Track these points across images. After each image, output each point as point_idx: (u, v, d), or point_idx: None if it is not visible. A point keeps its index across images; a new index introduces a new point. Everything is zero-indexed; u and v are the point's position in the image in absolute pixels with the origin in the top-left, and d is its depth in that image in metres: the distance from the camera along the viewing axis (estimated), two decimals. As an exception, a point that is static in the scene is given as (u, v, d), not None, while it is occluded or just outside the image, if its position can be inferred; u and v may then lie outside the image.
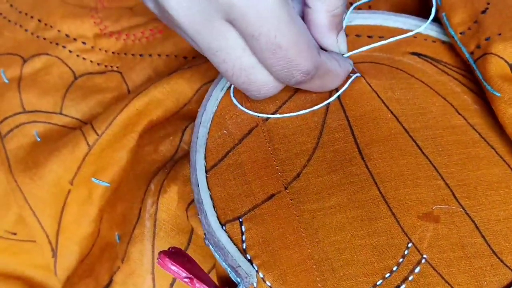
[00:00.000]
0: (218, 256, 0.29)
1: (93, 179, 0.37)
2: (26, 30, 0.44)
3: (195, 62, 0.39)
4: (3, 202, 0.39)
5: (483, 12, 0.34)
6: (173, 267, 0.27)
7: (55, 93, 0.40)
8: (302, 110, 0.33)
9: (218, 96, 0.34)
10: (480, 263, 0.28)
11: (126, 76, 0.41)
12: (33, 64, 0.42)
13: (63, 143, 0.38)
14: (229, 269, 0.28)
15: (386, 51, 0.35)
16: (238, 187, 0.31)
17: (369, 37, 0.37)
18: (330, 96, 0.33)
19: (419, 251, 0.28)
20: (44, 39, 0.43)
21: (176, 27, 0.28)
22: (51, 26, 0.43)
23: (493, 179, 0.30)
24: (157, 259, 0.28)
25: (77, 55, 0.42)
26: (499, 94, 0.31)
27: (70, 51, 0.42)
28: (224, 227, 0.29)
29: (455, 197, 0.30)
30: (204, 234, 0.30)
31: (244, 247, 0.29)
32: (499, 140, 0.32)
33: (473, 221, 0.29)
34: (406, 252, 0.28)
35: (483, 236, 0.29)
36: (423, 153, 0.31)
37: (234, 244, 0.29)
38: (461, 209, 0.29)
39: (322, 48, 0.32)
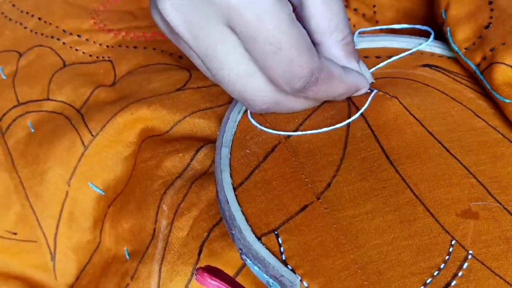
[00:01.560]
0: (257, 269, 0.28)
1: (89, 183, 0.36)
2: (25, 28, 0.44)
3: (198, 83, 0.39)
4: (4, 202, 0.38)
5: (487, 27, 0.35)
6: (213, 282, 0.26)
7: (43, 80, 0.40)
8: (323, 126, 0.32)
9: (236, 118, 0.34)
10: None
11: (116, 64, 0.41)
12: (27, 57, 0.42)
13: (58, 139, 0.37)
14: (271, 280, 0.27)
15: (398, 67, 0.36)
16: (269, 202, 0.30)
17: (377, 57, 0.37)
18: (349, 111, 0.33)
19: (463, 247, 0.27)
20: (42, 34, 0.43)
21: (178, 38, 0.28)
22: (50, 23, 0.43)
23: None
24: (195, 275, 0.26)
25: (70, 47, 0.42)
26: (508, 101, 0.32)
27: (64, 43, 0.42)
28: (260, 241, 0.28)
29: (490, 193, 0.29)
30: (240, 249, 0.29)
31: (283, 258, 0.28)
32: None
33: (510, 213, 0.28)
34: (450, 249, 0.27)
35: None
36: (451, 154, 0.31)
37: (274, 255, 0.28)
38: (498, 204, 0.29)
39: None
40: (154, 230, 0.33)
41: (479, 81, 0.34)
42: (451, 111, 0.33)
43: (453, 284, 0.26)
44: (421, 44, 0.37)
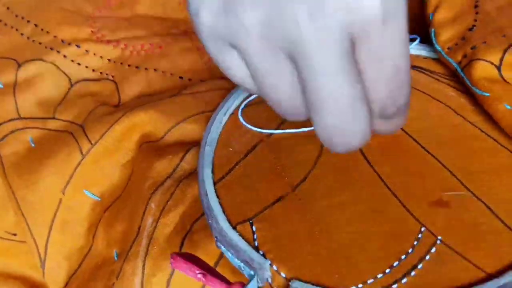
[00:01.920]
0: (230, 255, 0.29)
1: (84, 190, 0.36)
2: (22, 34, 0.44)
3: (193, 89, 0.40)
4: (4, 202, 0.38)
5: (470, 29, 0.36)
6: (187, 265, 0.27)
7: (51, 100, 0.40)
8: (301, 126, 0.34)
9: (222, 119, 0.35)
10: (497, 239, 0.27)
11: (120, 86, 0.42)
12: (27, 70, 0.42)
13: (57, 149, 0.38)
14: (242, 264, 0.28)
15: None
16: (247, 195, 0.31)
17: None
18: None
19: (433, 234, 0.28)
20: (40, 43, 0.43)
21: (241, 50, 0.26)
22: (47, 32, 0.43)
23: (497, 166, 0.31)
24: (170, 259, 0.28)
25: (72, 60, 0.42)
26: (488, 94, 0.33)
27: (64, 56, 0.42)
28: (234, 229, 0.29)
29: (462, 183, 0.30)
30: (216, 237, 0.30)
31: (256, 244, 0.29)
32: (499, 134, 0.32)
33: (483, 203, 0.29)
34: (420, 236, 0.28)
35: (496, 215, 0.28)
36: (426, 150, 0.31)
37: (246, 241, 0.29)
38: (469, 193, 0.29)
39: None
40: (139, 228, 0.34)
41: (460, 78, 0.35)
42: (430, 110, 0.34)
43: (419, 267, 0.27)
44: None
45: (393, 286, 0.26)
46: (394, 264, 0.27)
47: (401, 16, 0.24)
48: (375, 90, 0.25)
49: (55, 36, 0.44)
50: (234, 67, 0.27)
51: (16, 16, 0.45)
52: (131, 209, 0.35)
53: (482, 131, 0.33)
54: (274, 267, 0.27)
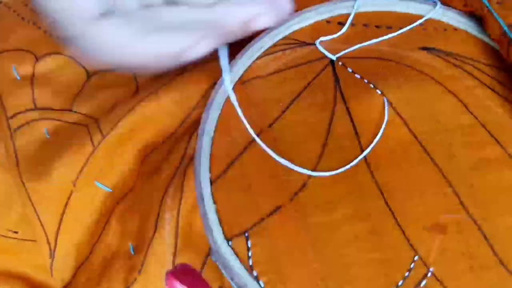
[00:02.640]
0: (225, 274, 0.29)
1: (96, 182, 0.37)
2: (39, 28, 0.43)
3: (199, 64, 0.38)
4: (6, 201, 0.39)
5: None
6: (181, 287, 0.28)
7: (68, 92, 0.40)
8: (307, 114, 0.32)
9: (222, 100, 0.33)
10: (488, 275, 0.28)
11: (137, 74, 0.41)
12: (46, 63, 0.42)
13: (70, 141, 0.38)
14: (236, 287, 0.29)
15: (394, 45, 0.34)
16: (244, 199, 0.31)
17: (376, 27, 0.35)
18: (335, 102, 0.32)
19: (425, 265, 0.28)
20: (58, 37, 0.42)
21: None
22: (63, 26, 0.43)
23: (502, 183, 0.30)
24: (165, 279, 0.28)
25: None
26: None
27: None
28: (230, 243, 0.30)
29: (463, 205, 0.29)
30: (210, 250, 0.30)
31: (250, 263, 0.29)
32: (510, 139, 0.31)
33: (481, 230, 0.29)
34: (412, 265, 0.28)
35: (490, 246, 0.28)
36: (432, 159, 0.30)
37: (240, 261, 0.29)
38: (469, 218, 0.29)
39: None
40: (157, 222, 0.34)
41: (503, 51, 0.32)
42: (442, 106, 0.32)
43: None
44: (430, 11, 0.35)
45: None
46: None
47: None
48: None
49: None
50: None
51: (34, 11, 0.44)
52: (147, 202, 0.35)
53: (492, 136, 0.31)
54: (267, 292, 0.28)
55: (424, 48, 0.34)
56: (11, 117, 0.40)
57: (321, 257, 0.29)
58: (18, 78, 0.41)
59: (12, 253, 0.40)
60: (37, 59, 0.42)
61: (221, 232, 0.30)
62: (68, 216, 0.37)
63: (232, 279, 0.29)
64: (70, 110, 0.40)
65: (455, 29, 0.35)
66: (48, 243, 0.37)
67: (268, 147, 0.31)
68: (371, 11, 0.36)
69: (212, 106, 0.33)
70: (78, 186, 0.37)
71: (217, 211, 0.30)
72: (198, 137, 0.33)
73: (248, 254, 0.29)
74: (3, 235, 0.39)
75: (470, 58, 0.34)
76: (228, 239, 0.30)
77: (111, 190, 0.37)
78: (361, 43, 0.34)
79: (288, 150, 0.31)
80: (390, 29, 0.35)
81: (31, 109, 0.40)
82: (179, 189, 0.33)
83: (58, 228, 0.37)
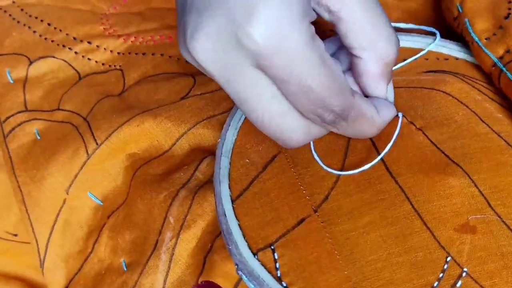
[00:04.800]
0: (252, 286, 0.28)
1: (88, 193, 0.36)
2: (34, 32, 0.44)
3: (202, 89, 0.39)
4: (5, 203, 0.38)
5: (506, 17, 0.34)
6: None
7: (57, 94, 0.40)
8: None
9: (237, 125, 0.34)
10: None
11: (126, 73, 0.41)
12: (39, 67, 0.42)
13: (63, 145, 0.37)
14: (266, 298, 0.28)
15: (401, 74, 0.35)
16: (267, 215, 0.30)
17: None
18: None
19: (458, 265, 0.27)
20: (52, 41, 0.43)
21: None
22: (60, 30, 0.43)
23: None
24: (191, 293, 0.27)
25: (83, 56, 0.42)
26: None
27: (76, 53, 0.42)
28: (256, 256, 0.29)
29: (489, 205, 0.29)
30: (236, 264, 0.29)
31: (278, 274, 0.28)
32: None
33: (509, 229, 0.28)
34: (445, 266, 0.27)
35: None
36: (453, 161, 0.30)
37: (269, 272, 0.28)
38: (497, 218, 0.29)
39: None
40: (157, 242, 0.33)
41: (494, 79, 0.33)
42: (455, 116, 0.32)
43: None
44: (430, 44, 0.36)
45: None
46: None
47: (296, 42, 0.25)
48: (297, 103, 0.27)
49: (67, 34, 0.43)
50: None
51: (30, 16, 0.44)
52: (144, 217, 0.34)
53: (508, 144, 0.31)
54: (298, 302, 0.27)
55: (429, 71, 0.35)
56: (4, 121, 0.40)
57: (350, 263, 0.28)
58: (11, 81, 0.41)
59: (11, 255, 0.39)
60: (30, 62, 0.42)
61: (247, 246, 0.29)
62: (59, 227, 0.36)
63: None
64: (58, 109, 0.40)
65: (456, 58, 0.36)
66: (39, 252, 0.36)
67: (287, 164, 0.31)
68: None
69: (228, 131, 0.34)
70: (71, 195, 0.36)
71: (240, 227, 0.30)
72: (216, 159, 0.33)
73: (275, 265, 0.28)
74: (2, 238, 0.38)
75: (475, 78, 0.35)
76: (254, 253, 0.29)
77: (101, 203, 0.36)
78: None
79: (308, 166, 0.31)
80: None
81: (22, 111, 0.40)
82: (185, 211, 0.33)
83: (48, 238, 0.36)
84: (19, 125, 0.39)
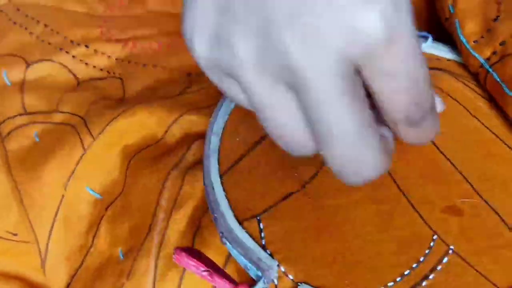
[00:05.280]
0: (236, 253, 0.28)
1: (86, 187, 0.36)
2: (31, 33, 0.43)
3: (198, 85, 0.39)
4: (5, 202, 0.37)
5: (495, 20, 0.35)
6: (190, 262, 0.26)
7: (56, 97, 0.40)
8: None
9: (228, 108, 0.34)
10: (509, 254, 0.27)
11: (126, 83, 0.41)
12: (36, 70, 0.42)
13: (61, 143, 0.37)
14: (249, 264, 0.27)
15: None
16: (254, 188, 0.30)
17: None
18: None
19: (445, 242, 0.27)
20: (49, 43, 0.43)
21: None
22: (57, 32, 0.43)
23: (511, 176, 0.30)
24: (174, 255, 0.27)
25: (80, 60, 0.42)
26: None
27: (73, 56, 0.42)
28: (241, 225, 0.28)
29: (475, 190, 0.29)
30: (221, 233, 0.29)
31: (263, 243, 0.28)
32: None
33: (497, 214, 0.28)
34: (432, 244, 0.27)
35: (509, 228, 0.28)
36: (440, 151, 0.31)
37: (254, 240, 0.28)
38: (484, 202, 0.29)
39: None
40: (151, 225, 0.33)
41: (481, 79, 0.34)
42: (446, 109, 0.33)
43: (430, 277, 0.26)
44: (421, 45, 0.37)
45: None
46: (405, 273, 0.26)
47: (409, 29, 0.22)
48: (393, 102, 0.24)
49: (65, 37, 0.43)
50: (238, 96, 0.25)
51: (27, 16, 0.44)
52: (140, 205, 0.34)
53: (498, 137, 0.32)
54: (282, 269, 0.27)
55: None
56: (1, 123, 0.39)
57: (337, 236, 0.28)
58: (9, 83, 0.41)
59: (11, 254, 0.38)
60: (28, 64, 0.42)
61: (233, 215, 0.29)
62: (59, 225, 0.36)
63: (245, 255, 0.27)
64: (57, 111, 0.39)
65: (448, 59, 0.37)
66: (39, 252, 0.36)
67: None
68: None
69: (220, 111, 0.34)
70: (69, 191, 0.36)
71: (228, 198, 0.29)
72: (206, 136, 0.33)
73: (261, 235, 0.28)
74: (2, 237, 0.38)
75: (468, 77, 0.36)
76: (239, 222, 0.28)
77: (100, 197, 0.36)
78: None
79: None
80: None
81: (21, 114, 0.39)
82: (176, 192, 0.33)
83: (49, 237, 0.36)
84: (18, 127, 0.39)
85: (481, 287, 0.26)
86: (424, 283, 0.26)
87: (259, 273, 0.27)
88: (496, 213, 0.28)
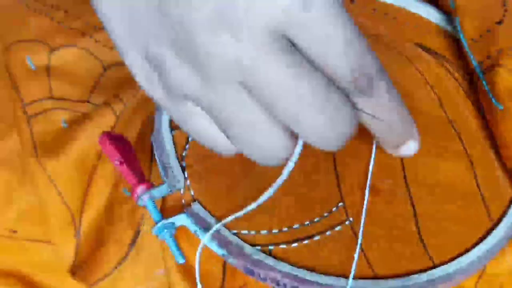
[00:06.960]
0: (155, 152, 0.29)
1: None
2: (52, 19, 0.43)
3: None
4: (5, 199, 0.38)
5: (499, 22, 0.33)
6: (109, 147, 0.28)
7: (84, 84, 0.40)
8: None
9: None
10: (402, 248, 0.27)
11: None
12: (61, 56, 0.42)
13: (89, 119, 0.38)
14: (160, 167, 0.29)
15: (392, 34, 0.35)
16: None
17: (385, 14, 0.36)
18: None
19: (346, 213, 0.28)
20: (71, 29, 0.43)
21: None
22: (78, 17, 0.43)
23: (448, 174, 0.30)
24: (99, 138, 0.28)
25: (104, 45, 0.42)
26: (501, 107, 0.31)
27: (96, 41, 0.42)
28: (173, 132, 0.30)
29: (405, 179, 0.29)
30: (153, 131, 0.30)
31: (183, 154, 0.29)
32: (470, 137, 0.31)
33: (412, 206, 0.29)
34: (334, 209, 0.28)
35: (416, 222, 0.28)
36: None
37: (175, 148, 0.29)
38: (405, 193, 0.29)
39: None
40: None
41: (475, 78, 0.33)
42: (418, 93, 0.32)
43: (315, 238, 0.27)
44: (440, 20, 0.36)
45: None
46: (294, 226, 0.27)
47: None
48: (335, 70, 0.23)
49: (87, 22, 0.42)
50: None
51: (45, 4, 0.44)
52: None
53: (456, 132, 0.31)
54: (188, 182, 0.28)
55: (418, 45, 0.35)
56: (28, 104, 0.39)
57: (248, 175, 0.29)
58: (33, 68, 0.41)
59: (10, 252, 0.38)
60: (51, 49, 0.42)
61: (168, 121, 0.30)
62: (93, 192, 0.36)
63: (160, 157, 0.29)
64: (88, 101, 0.40)
65: (450, 34, 0.36)
66: (74, 222, 0.36)
67: None
68: (385, 2, 0.38)
69: None
70: (103, 159, 0.35)
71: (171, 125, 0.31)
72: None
73: (185, 147, 0.29)
74: (1, 235, 0.38)
75: (457, 64, 0.35)
76: (172, 128, 0.30)
77: None
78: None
79: None
80: (395, 19, 0.36)
81: (48, 98, 0.40)
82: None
83: (82, 206, 0.36)
84: (45, 111, 0.39)
85: (358, 268, 0.27)
86: (306, 241, 0.27)
87: (165, 179, 0.28)
88: (412, 205, 0.29)
